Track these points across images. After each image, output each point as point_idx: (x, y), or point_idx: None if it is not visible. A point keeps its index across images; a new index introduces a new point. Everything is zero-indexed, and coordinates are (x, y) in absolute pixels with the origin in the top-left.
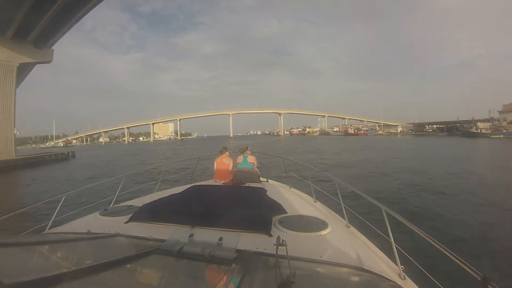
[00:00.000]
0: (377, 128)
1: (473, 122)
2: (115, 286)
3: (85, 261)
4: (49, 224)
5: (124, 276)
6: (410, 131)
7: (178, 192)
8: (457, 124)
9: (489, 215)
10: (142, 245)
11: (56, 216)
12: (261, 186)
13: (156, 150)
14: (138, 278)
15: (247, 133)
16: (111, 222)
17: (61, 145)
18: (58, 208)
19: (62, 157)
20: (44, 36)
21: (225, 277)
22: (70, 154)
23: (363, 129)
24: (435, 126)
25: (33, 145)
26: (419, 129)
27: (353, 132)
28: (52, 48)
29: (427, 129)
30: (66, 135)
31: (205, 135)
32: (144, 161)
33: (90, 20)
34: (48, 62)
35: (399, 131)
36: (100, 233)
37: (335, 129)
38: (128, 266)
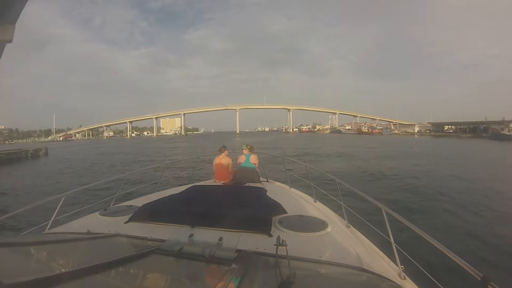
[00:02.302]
0: (392, 127)
1: (505, 123)
2: (115, 286)
3: (85, 261)
4: (49, 224)
5: (124, 276)
6: (428, 131)
7: (178, 192)
8: (481, 125)
9: None
10: (142, 245)
11: (56, 216)
12: (261, 186)
13: (145, 148)
14: (138, 278)
15: (255, 129)
16: (111, 222)
17: (61, 139)
18: (58, 208)
19: (26, 156)
20: (2, 8)
21: (225, 277)
22: (43, 152)
23: (377, 128)
24: (454, 126)
25: (36, 139)
26: (438, 129)
27: (367, 130)
28: (14, 25)
29: (447, 130)
30: (70, 129)
31: (212, 130)
32: (113, 165)
33: (99, 16)
34: (9, 41)
35: (416, 131)
36: (100, 233)
37: (347, 127)
38: (128, 266)
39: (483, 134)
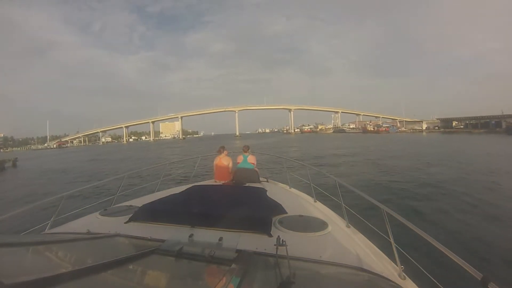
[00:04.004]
0: (399, 124)
1: None
2: (115, 286)
3: (85, 261)
4: (49, 224)
5: (124, 276)
6: (436, 127)
7: (178, 192)
8: (493, 120)
9: None
10: (142, 245)
11: (56, 216)
12: (261, 186)
13: (121, 160)
14: (138, 278)
15: (256, 131)
16: (111, 222)
17: (54, 146)
18: (58, 208)
19: None
20: None
21: (225, 277)
22: (11, 163)
23: (384, 125)
24: (464, 122)
25: (32, 146)
26: (447, 125)
27: (372, 129)
28: None
29: (457, 125)
30: (67, 135)
31: (212, 133)
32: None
33: (98, 21)
34: None
35: (424, 127)
36: (100, 233)
37: (351, 126)
38: (128, 266)
39: (497, 129)
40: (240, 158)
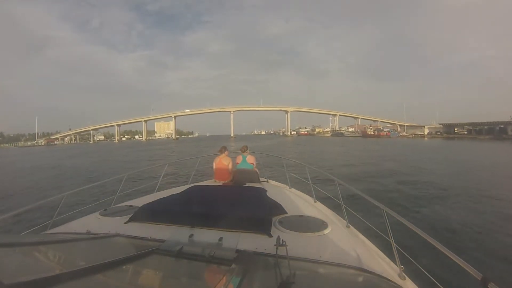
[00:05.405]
0: (399, 129)
1: None
2: (115, 286)
3: (85, 261)
4: (49, 224)
5: (124, 276)
6: (439, 133)
7: (178, 192)
8: (497, 126)
9: None
10: (142, 245)
11: (56, 216)
12: (261, 186)
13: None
14: (138, 278)
15: (251, 132)
16: (111, 222)
17: (43, 144)
18: (58, 208)
19: None
20: None
21: (225, 277)
22: None
23: (384, 130)
24: (467, 127)
25: (20, 143)
26: (450, 130)
27: (373, 133)
28: None
29: (460, 131)
30: (59, 132)
31: (207, 134)
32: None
33: (97, 18)
34: None
35: (426, 132)
36: (100, 233)
37: (350, 130)
38: (128, 266)
39: (504, 136)
40: (239, 158)
